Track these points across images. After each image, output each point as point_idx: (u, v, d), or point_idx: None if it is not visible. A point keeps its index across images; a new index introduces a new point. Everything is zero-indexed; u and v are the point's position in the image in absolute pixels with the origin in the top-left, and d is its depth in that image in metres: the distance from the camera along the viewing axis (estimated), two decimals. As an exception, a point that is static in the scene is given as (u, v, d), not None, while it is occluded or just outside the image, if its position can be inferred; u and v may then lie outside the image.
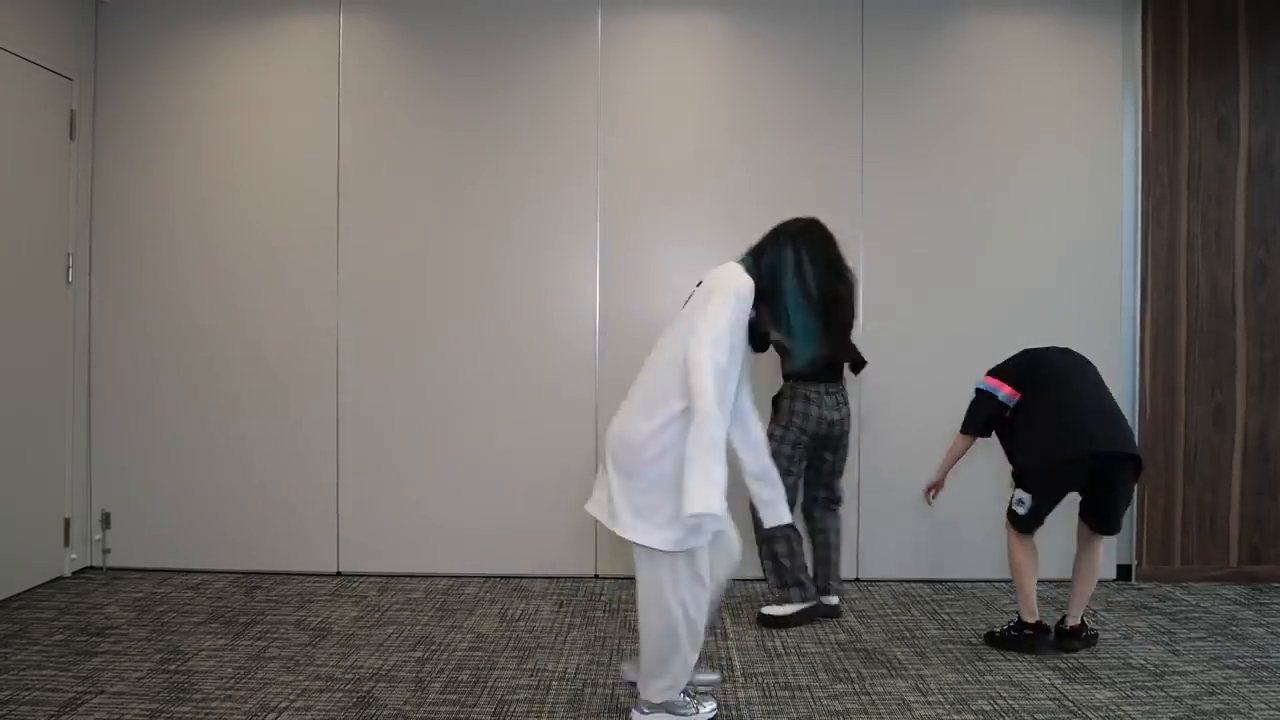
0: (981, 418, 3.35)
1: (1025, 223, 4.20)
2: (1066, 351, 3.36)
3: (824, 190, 4.20)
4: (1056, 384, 3.24)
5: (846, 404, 3.66)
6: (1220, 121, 4.20)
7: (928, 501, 3.60)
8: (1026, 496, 3.23)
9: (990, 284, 4.20)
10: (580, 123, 4.22)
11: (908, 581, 4.21)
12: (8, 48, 3.73)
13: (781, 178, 4.20)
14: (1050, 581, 4.03)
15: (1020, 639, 3.30)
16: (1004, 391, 3.30)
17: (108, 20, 4.27)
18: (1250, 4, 4.20)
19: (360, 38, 4.25)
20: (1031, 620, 3.28)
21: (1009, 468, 3.34)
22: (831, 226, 4.22)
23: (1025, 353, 3.38)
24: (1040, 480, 3.21)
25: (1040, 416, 3.21)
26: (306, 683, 2.96)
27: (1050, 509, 3.26)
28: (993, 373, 3.37)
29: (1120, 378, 4.15)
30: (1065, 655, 3.26)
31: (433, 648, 3.31)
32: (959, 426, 3.43)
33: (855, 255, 4.18)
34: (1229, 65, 4.20)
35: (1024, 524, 3.27)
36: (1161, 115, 4.21)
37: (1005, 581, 4.17)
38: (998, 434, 3.38)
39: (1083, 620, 3.34)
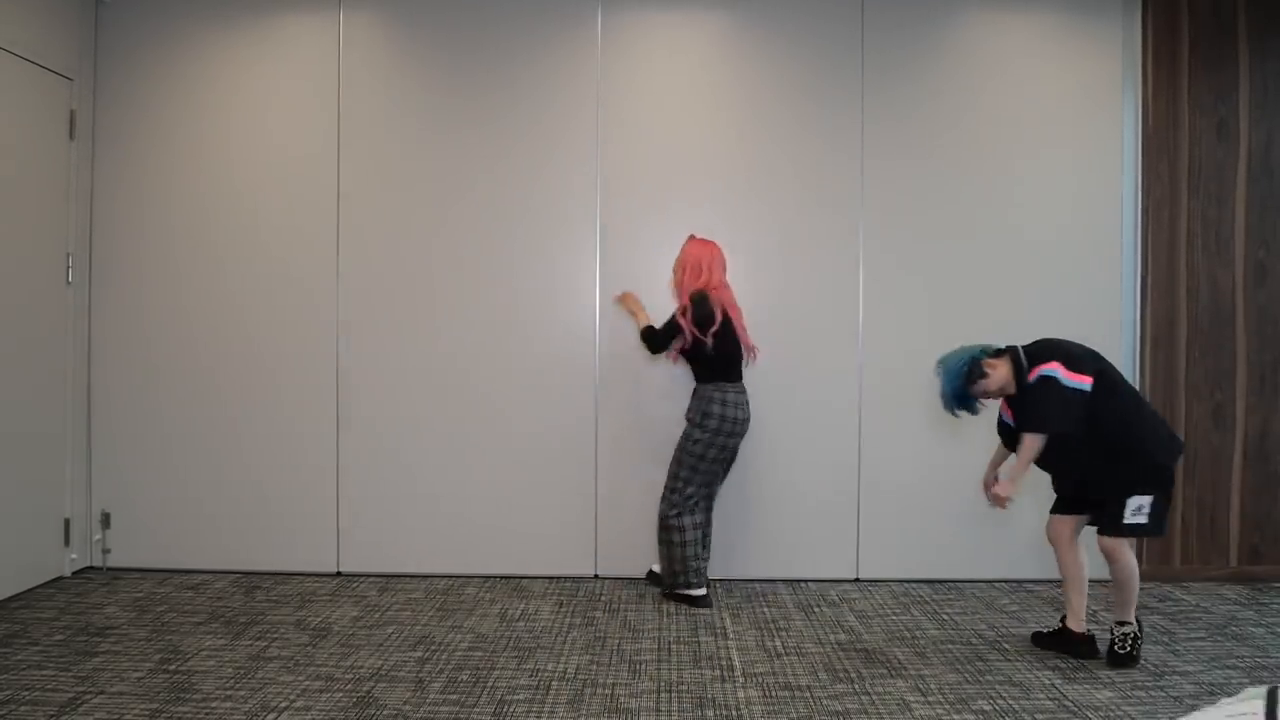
0: (1075, 414, 3.07)
1: (1025, 222, 4.20)
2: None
3: (824, 190, 4.20)
4: (1121, 379, 3.19)
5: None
6: (1220, 121, 4.20)
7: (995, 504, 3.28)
8: (1147, 501, 3.08)
9: (990, 283, 4.20)
10: (580, 122, 4.22)
11: (908, 581, 4.21)
12: (8, 48, 3.72)
13: (781, 177, 4.20)
14: (1050, 582, 4.04)
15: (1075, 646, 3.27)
16: (1088, 383, 3.09)
17: (108, 20, 4.27)
18: (1250, 4, 4.19)
19: (360, 38, 4.25)
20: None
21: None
22: (831, 226, 4.29)
23: (1063, 342, 3.23)
24: (1166, 479, 3.13)
25: (1143, 412, 3.17)
26: (306, 683, 2.96)
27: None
28: (1063, 363, 3.10)
29: (1120, 377, 4.15)
30: (1064, 656, 3.26)
31: (433, 648, 3.31)
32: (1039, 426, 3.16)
33: (855, 255, 4.20)
34: (1229, 65, 4.20)
35: (1155, 527, 3.12)
36: (1161, 114, 4.20)
37: (1005, 581, 4.18)
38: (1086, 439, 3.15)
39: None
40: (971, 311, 4.19)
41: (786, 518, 4.20)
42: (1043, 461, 3.22)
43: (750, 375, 4.20)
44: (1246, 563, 4.21)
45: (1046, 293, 4.18)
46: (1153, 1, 4.20)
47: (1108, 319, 4.18)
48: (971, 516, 4.17)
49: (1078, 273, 4.18)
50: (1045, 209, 4.20)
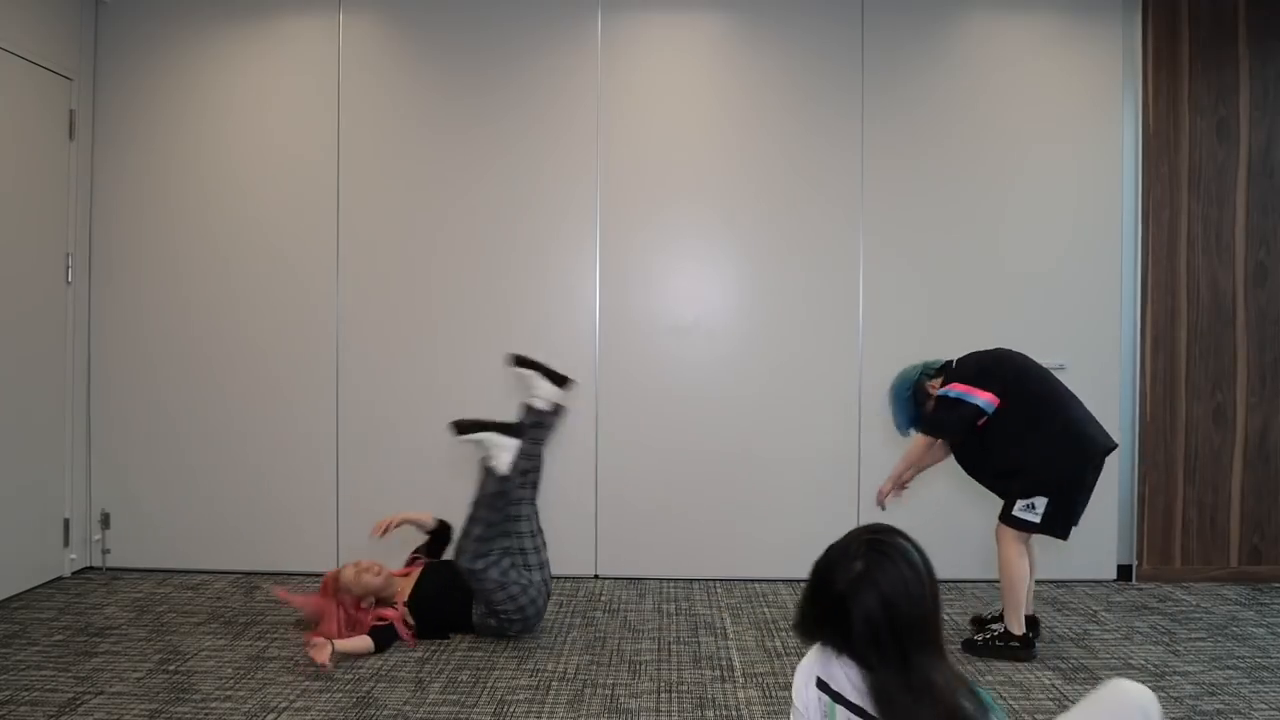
0: (956, 422, 3.22)
1: (1025, 223, 4.20)
2: (1020, 354, 3.35)
3: (824, 190, 4.20)
4: (1048, 385, 3.24)
5: None
6: (1220, 121, 4.20)
7: (881, 506, 3.48)
8: (1041, 501, 3.15)
9: (989, 284, 4.20)
10: (580, 122, 4.22)
11: (908, 581, 4.20)
12: (8, 48, 3.72)
13: (781, 178, 4.20)
14: (1050, 582, 4.04)
15: (1008, 649, 3.25)
16: (983, 398, 3.18)
17: (108, 20, 4.27)
18: (1250, 4, 4.19)
19: (360, 38, 4.25)
20: (1021, 631, 3.25)
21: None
22: (832, 226, 4.29)
23: (992, 356, 3.31)
24: (1064, 486, 3.16)
25: (1051, 420, 3.17)
26: (306, 683, 2.96)
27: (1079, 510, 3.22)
28: (963, 380, 3.22)
29: (1120, 378, 4.15)
30: (1064, 656, 3.26)
31: (433, 648, 3.31)
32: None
33: (855, 254, 4.20)
34: (1229, 65, 4.20)
35: (1048, 528, 3.18)
36: (1161, 115, 4.20)
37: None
38: (982, 442, 3.26)
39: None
40: (971, 311, 4.19)
41: (786, 518, 4.20)
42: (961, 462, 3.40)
43: (750, 374, 4.21)
44: (1247, 563, 4.21)
45: (1046, 293, 4.18)
46: (1153, 3, 4.20)
47: (1108, 320, 4.18)
48: (971, 516, 4.17)
49: (1078, 273, 4.18)
50: (1045, 209, 4.19)
